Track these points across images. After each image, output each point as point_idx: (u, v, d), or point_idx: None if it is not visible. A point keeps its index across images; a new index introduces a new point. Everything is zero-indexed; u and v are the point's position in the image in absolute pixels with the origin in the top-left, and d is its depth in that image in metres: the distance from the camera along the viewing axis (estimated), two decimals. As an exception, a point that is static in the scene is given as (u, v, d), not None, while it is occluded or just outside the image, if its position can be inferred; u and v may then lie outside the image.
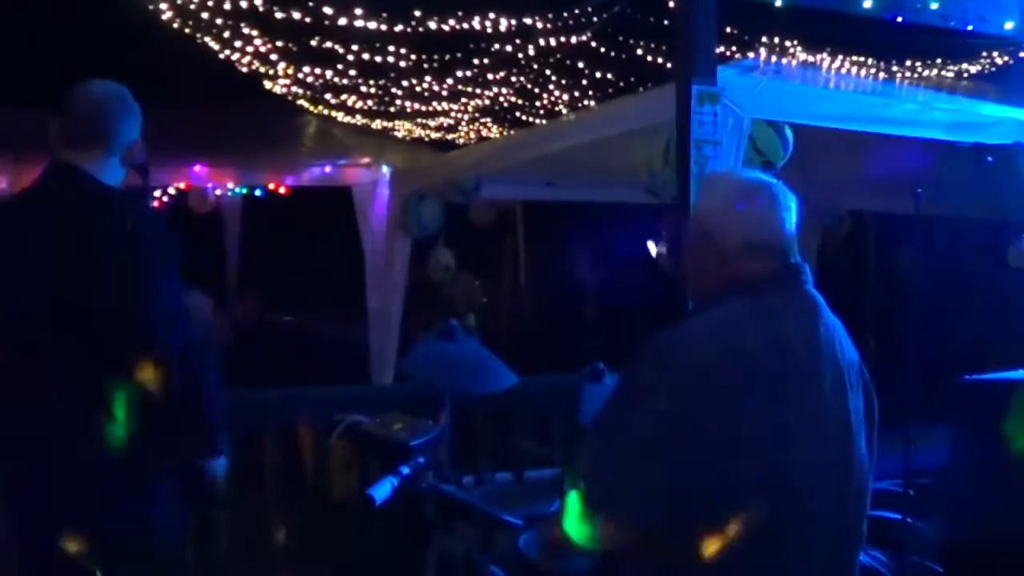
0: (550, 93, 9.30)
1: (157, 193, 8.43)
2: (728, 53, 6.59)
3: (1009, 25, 4.42)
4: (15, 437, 2.43)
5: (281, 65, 8.27)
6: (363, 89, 8.95)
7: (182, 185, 8.49)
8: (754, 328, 1.89)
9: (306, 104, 9.41)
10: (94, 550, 2.36)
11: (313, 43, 7.57)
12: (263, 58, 8.09)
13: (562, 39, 7.65)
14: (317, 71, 8.40)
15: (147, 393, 2.38)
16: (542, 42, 7.67)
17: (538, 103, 9.57)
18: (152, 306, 2.43)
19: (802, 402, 1.89)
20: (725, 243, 1.97)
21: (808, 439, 1.88)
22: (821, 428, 1.91)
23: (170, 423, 2.47)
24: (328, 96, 9.24)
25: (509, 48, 7.75)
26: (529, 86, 9.01)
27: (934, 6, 4.26)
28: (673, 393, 1.82)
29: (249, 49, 7.84)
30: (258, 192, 9.13)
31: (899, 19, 4.51)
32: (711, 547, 1.82)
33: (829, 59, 7.59)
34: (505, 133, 10.14)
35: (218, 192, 9.23)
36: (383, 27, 7.03)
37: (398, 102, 9.38)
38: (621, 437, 1.87)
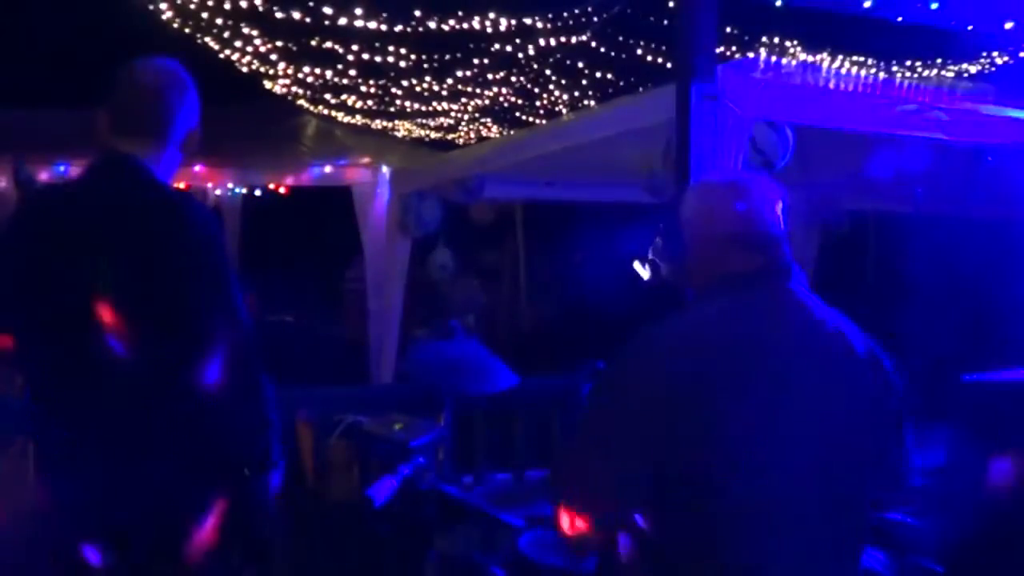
0: (550, 93, 9.31)
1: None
2: (728, 53, 6.60)
3: (1009, 25, 4.43)
4: (58, 427, 2.23)
5: (281, 65, 8.28)
6: (363, 89, 8.96)
7: (181, 185, 8.47)
8: (728, 325, 1.90)
9: (306, 104, 9.41)
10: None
11: (313, 43, 7.57)
12: (263, 58, 8.10)
13: (562, 39, 7.65)
14: (317, 71, 8.41)
15: (207, 395, 2.19)
16: (542, 42, 7.67)
17: (538, 103, 9.58)
18: (227, 305, 2.23)
19: (776, 400, 1.87)
20: (700, 241, 2.02)
21: (783, 436, 1.87)
22: (799, 425, 1.89)
23: (229, 430, 2.29)
24: (328, 96, 9.25)
25: (509, 48, 7.76)
26: (529, 86, 9.02)
27: (934, 6, 4.26)
28: (641, 392, 1.86)
29: (249, 49, 7.85)
30: (258, 192, 9.13)
31: (899, 19, 4.52)
32: (692, 538, 1.85)
33: (829, 59, 7.59)
34: (505, 133, 10.15)
35: (218, 192, 9.23)
36: (383, 27, 7.03)
37: (398, 102, 9.39)
38: (596, 435, 1.92)
